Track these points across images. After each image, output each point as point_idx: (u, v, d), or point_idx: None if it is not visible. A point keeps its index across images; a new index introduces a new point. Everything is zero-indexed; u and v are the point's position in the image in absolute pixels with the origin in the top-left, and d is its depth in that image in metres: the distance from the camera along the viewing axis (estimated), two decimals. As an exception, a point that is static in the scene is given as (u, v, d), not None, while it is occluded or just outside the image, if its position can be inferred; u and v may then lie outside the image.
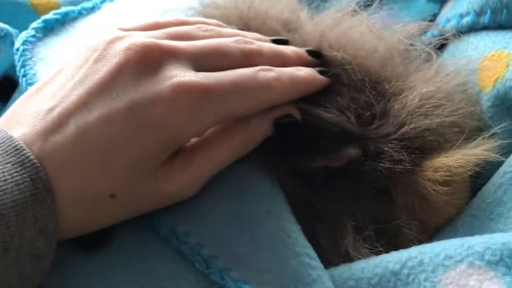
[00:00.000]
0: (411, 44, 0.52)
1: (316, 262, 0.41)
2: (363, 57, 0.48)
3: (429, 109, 0.47)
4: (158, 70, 0.39)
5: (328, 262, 0.45)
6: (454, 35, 0.57)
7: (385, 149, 0.47)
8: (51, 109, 0.37)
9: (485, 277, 0.38)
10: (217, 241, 0.41)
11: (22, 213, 0.34)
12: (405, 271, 0.40)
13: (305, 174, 0.46)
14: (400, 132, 0.47)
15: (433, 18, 0.62)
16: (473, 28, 0.57)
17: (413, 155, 0.47)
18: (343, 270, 0.42)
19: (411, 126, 0.47)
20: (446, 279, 0.39)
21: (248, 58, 0.44)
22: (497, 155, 0.48)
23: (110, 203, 0.38)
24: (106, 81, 0.38)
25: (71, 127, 0.36)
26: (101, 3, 0.61)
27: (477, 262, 0.39)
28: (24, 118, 0.37)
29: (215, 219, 0.42)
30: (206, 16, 0.53)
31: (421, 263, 0.40)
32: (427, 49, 0.52)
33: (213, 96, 0.39)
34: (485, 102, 0.54)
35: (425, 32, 0.60)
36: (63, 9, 0.59)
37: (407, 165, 0.46)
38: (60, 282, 0.41)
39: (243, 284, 0.39)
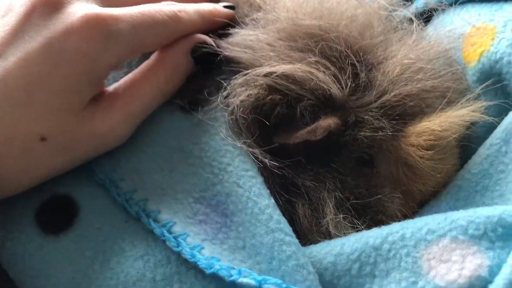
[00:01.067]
0: (393, 12, 0.51)
1: (290, 238, 0.40)
2: (343, 25, 0.46)
3: (410, 76, 0.46)
4: (65, 8, 0.40)
5: (310, 241, 0.43)
6: (438, 7, 0.56)
7: (365, 117, 0.45)
8: None
9: (468, 251, 0.37)
10: (186, 221, 0.40)
11: None
12: (386, 246, 0.38)
13: (285, 151, 0.45)
14: (380, 100, 0.46)
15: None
16: (458, 0, 0.55)
17: (394, 122, 0.45)
18: (322, 246, 0.41)
19: (392, 94, 0.46)
20: (429, 254, 0.38)
21: None
22: (484, 116, 0.47)
23: (42, 147, 0.38)
24: (17, 28, 0.39)
25: None
26: None
27: (460, 237, 0.38)
28: None
29: (182, 195, 0.41)
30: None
31: (402, 237, 0.38)
32: (410, 16, 0.51)
33: (123, 24, 0.40)
34: (470, 77, 0.52)
35: (408, 3, 0.58)
36: None
37: (389, 132, 0.45)
38: (28, 267, 0.39)
39: (215, 262, 0.38)
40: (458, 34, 0.54)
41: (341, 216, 0.44)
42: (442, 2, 0.55)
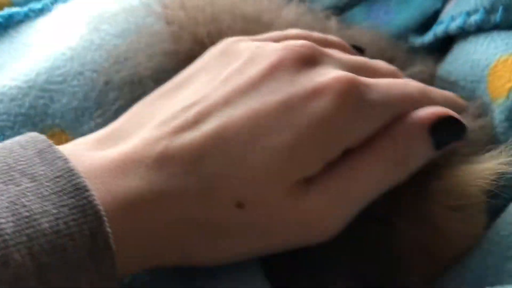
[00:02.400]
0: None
1: None
2: None
3: None
4: (318, 66, 0.35)
5: None
6: (459, 36, 0.50)
7: None
8: (183, 110, 0.33)
9: None
10: None
11: (73, 277, 0.26)
12: None
13: None
14: None
15: (435, 15, 0.54)
16: (482, 28, 0.49)
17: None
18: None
19: None
20: None
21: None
22: None
23: (236, 216, 0.31)
24: (257, 80, 0.33)
25: (209, 125, 0.31)
26: (52, 3, 0.53)
27: None
28: (150, 120, 0.33)
29: None
30: (167, 18, 0.46)
31: None
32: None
33: (375, 93, 0.34)
34: (498, 115, 0.46)
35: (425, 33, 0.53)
36: (7, 11, 0.51)
37: (412, 181, 0.38)
38: None
39: None
40: (483, 66, 0.48)
41: None
42: (463, 29, 0.49)
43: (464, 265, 0.40)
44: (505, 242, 0.39)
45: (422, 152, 0.36)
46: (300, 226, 0.33)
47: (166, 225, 0.31)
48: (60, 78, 0.42)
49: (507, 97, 0.45)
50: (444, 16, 0.51)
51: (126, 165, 0.30)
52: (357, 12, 0.58)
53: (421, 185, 0.39)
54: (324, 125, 0.32)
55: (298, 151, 0.32)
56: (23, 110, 0.39)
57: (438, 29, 0.51)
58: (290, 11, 0.48)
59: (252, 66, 0.34)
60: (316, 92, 0.33)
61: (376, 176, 0.34)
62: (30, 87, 0.42)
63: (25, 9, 0.51)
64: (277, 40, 0.39)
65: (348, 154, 0.34)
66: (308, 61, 0.35)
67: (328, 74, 0.33)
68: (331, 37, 0.43)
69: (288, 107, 0.32)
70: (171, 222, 0.31)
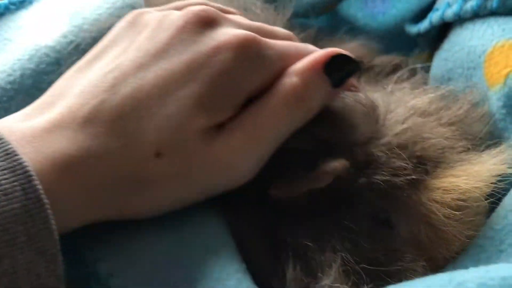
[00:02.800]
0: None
1: None
2: None
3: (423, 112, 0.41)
4: (219, 26, 0.39)
5: None
6: (456, 23, 0.49)
7: (379, 154, 0.38)
8: (101, 77, 0.36)
9: None
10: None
11: (10, 228, 0.29)
12: None
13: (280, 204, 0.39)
14: (394, 132, 0.39)
15: (432, 3, 0.53)
16: (479, 14, 0.48)
17: (416, 163, 0.38)
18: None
19: (405, 125, 0.39)
20: None
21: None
22: None
23: (156, 164, 0.35)
24: (165, 42, 0.37)
25: (125, 88, 0.35)
26: (33, -4, 0.52)
27: None
28: (72, 90, 0.36)
29: (145, 261, 0.35)
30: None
31: None
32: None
33: (272, 51, 0.39)
34: (495, 102, 0.45)
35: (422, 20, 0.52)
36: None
37: (412, 175, 0.38)
38: None
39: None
40: (479, 52, 0.47)
41: (350, 284, 0.37)
42: (460, 16, 0.48)
43: (458, 262, 0.39)
44: (498, 236, 0.38)
45: (321, 90, 0.39)
46: (216, 169, 0.36)
47: (95, 181, 0.34)
48: (47, 86, 0.42)
49: (504, 83, 0.45)
50: (440, 2, 0.50)
51: (53, 130, 0.34)
52: (354, 1, 0.58)
53: (419, 184, 0.39)
54: (226, 76, 0.36)
55: (205, 99, 0.36)
56: (8, 114, 0.39)
57: (434, 16, 0.50)
58: None
59: (160, 33, 0.38)
60: (218, 48, 0.37)
61: (280, 117, 0.38)
62: (16, 91, 0.42)
63: (5, 1, 0.51)
64: (180, 8, 0.42)
65: (253, 100, 0.38)
66: (209, 23, 0.38)
67: (228, 33, 0.38)
68: (231, 9, 0.46)
69: (194, 63, 0.36)
70: (100, 178, 0.34)
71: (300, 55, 0.40)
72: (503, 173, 0.39)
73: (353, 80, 0.42)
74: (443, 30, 0.52)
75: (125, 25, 0.40)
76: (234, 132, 0.37)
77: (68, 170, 0.33)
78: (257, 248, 0.38)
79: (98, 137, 0.34)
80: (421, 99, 0.42)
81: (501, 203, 0.39)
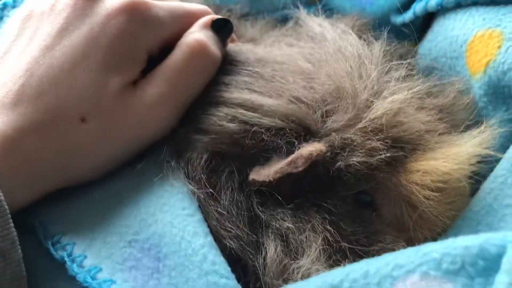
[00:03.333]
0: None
1: (226, 280, 0.36)
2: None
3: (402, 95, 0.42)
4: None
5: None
6: (439, 13, 0.50)
7: (352, 137, 0.40)
8: (17, 66, 0.41)
9: None
10: (114, 267, 0.37)
11: None
12: (346, 284, 0.32)
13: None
14: (370, 117, 0.40)
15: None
16: (461, 4, 0.49)
17: (388, 144, 0.40)
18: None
19: (380, 111, 0.40)
20: None
21: None
22: (493, 152, 0.40)
23: (83, 129, 0.39)
24: (63, 22, 0.42)
25: (39, 68, 0.40)
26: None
27: (432, 272, 0.31)
28: None
29: (113, 239, 0.37)
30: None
31: (365, 275, 0.32)
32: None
33: (161, 10, 0.44)
34: (477, 90, 0.46)
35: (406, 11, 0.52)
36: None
37: (386, 153, 0.39)
38: None
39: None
40: (461, 42, 0.48)
41: (330, 263, 0.38)
42: (442, 6, 0.49)
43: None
44: (476, 217, 0.40)
45: (215, 44, 0.45)
46: (137, 123, 0.41)
47: (34, 155, 0.38)
48: None
49: (484, 72, 0.45)
50: (424, -7, 0.51)
51: None
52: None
53: (397, 159, 0.40)
54: (122, 37, 0.41)
55: (110, 62, 0.41)
56: None
57: (417, 7, 0.51)
58: None
59: (57, 16, 0.42)
60: (109, 15, 0.42)
61: (186, 71, 0.43)
62: None
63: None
64: None
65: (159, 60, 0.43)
66: None
67: (117, 1, 0.42)
68: None
69: (92, 33, 0.41)
70: (37, 152, 0.38)
71: (189, 14, 0.46)
72: (483, 155, 0.40)
73: (233, 36, 0.49)
74: (428, 20, 0.52)
75: (25, 18, 0.44)
76: (147, 88, 0.42)
77: (8, 149, 0.38)
78: (239, 227, 0.39)
79: (27, 115, 0.39)
80: (404, 88, 0.43)
81: (481, 186, 0.40)
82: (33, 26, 0.43)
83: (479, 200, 0.40)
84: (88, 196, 0.40)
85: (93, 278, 0.36)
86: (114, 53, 0.41)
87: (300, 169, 0.39)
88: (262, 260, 0.38)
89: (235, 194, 0.39)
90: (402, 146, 0.40)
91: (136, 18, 0.42)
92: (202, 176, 0.39)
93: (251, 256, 0.38)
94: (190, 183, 0.40)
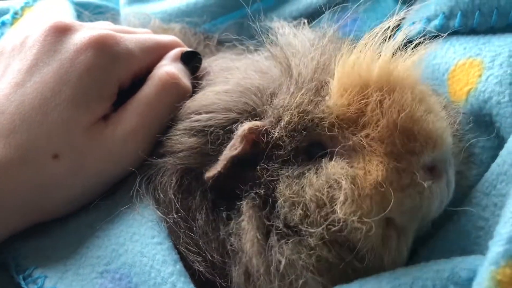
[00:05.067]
0: None
1: None
2: None
3: None
4: (75, 32, 0.43)
5: None
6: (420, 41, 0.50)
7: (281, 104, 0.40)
8: None
9: None
10: None
11: None
12: None
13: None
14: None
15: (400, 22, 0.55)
16: (442, 34, 0.49)
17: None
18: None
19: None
20: None
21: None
22: None
23: (54, 165, 0.40)
24: (33, 58, 0.42)
25: (10, 105, 0.40)
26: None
27: None
28: None
29: (85, 270, 0.38)
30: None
31: None
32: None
33: (130, 43, 0.44)
34: (461, 117, 0.47)
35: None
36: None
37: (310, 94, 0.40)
38: None
39: None
40: (443, 70, 0.49)
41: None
42: (422, 35, 0.50)
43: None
44: (449, 240, 0.40)
45: (184, 77, 0.45)
46: (109, 158, 0.42)
47: (6, 189, 0.38)
48: None
49: (466, 100, 0.46)
50: (406, 21, 0.52)
51: None
52: (325, 19, 0.59)
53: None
54: (92, 72, 0.41)
55: (79, 98, 0.41)
56: None
57: (399, 35, 0.52)
58: None
59: (27, 52, 0.43)
60: (78, 51, 0.41)
61: (156, 104, 0.43)
62: None
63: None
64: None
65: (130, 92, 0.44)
66: (66, 30, 0.43)
67: (85, 35, 0.42)
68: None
69: (62, 69, 0.41)
70: (10, 187, 0.38)
71: (159, 46, 0.46)
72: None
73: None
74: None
75: None
76: (118, 124, 0.42)
77: None
78: (209, 249, 0.39)
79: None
80: None
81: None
82: (4, 63, 0.43)
83: (453, 223, 0.41)
84: (61, 229, 0.40)
85: (63, 309, 0.36)
86: (84, 89, 0.41)
87: (239, 149, 0.38)
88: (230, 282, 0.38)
89: (209, 213, 0.39)
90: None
91: (105, 52, 0.42)
92: (174, 198, 0.39)
93: (221, 279, 0.38)
94: (158, 209, 0.40)
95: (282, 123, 0.39)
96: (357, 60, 0.39)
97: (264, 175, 0.39)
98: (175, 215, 0.39)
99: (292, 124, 0.39)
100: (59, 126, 0.40)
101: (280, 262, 0.36)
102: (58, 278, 0.38)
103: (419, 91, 0.40)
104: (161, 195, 0.40)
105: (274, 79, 0.42)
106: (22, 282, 0.38)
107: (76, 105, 0.40)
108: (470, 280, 0.32)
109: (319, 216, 0.37)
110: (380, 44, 0.42)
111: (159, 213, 0.40)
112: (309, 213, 0.37)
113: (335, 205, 0.36)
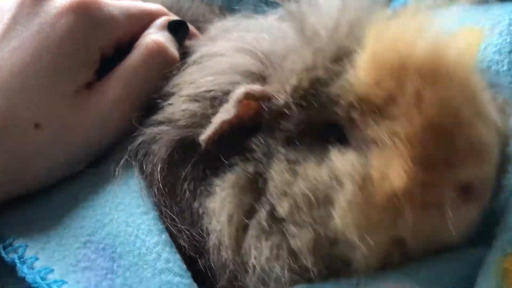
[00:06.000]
0: None
1: (180, 279, 0.35)
2: None
3: None
4: None
5: None
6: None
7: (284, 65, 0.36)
8: None
9: None
10: (67, 268, 0.36)
11: None
12: None
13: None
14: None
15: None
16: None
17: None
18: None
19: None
20: None
21: None
22: None
23: (37, 134, 0.38)
24: (10, 23, 0.40)
25: None
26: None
27: None
28: None
29: (67, 241, 0.37)
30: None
31: None
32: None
33: (112, 8, 0.42)
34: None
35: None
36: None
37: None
38: None
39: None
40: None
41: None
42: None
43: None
44: None
45: (171, 45, 0.44)
46: (94, 126, 0.40)
47: None
48: None
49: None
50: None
51: None
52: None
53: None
54: (73, 37, 0.39)
55: (60, 65, 0.39)
56: None
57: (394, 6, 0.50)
58: None
59: (4, 15, 0.41)
60: (58, 15, 0.39)
61: (142, 73, 0.41)
62: None
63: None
64: None
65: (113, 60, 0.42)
66: None
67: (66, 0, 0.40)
68: None
69: (41, 34, 0.39)
70: None
71: (144, 14, 0.44)
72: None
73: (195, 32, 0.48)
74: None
75: None
76: (103, 92, 0.40)
77: None
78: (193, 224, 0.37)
79: None
80: None
81: None
82: None
83: None
84: (45, 199, 0.39)
85: (43, 279, 0.35)
86: (65, 54, 0.39)
87: (232, 114, 0.34)
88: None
89: (197, 185, 0.37)
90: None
91: (87, 16, 0.40)
92: (163, 168, 0.37)
93: (204, 257, 0.36)
94: (145, 179, 0.38)
95: (288, 88, 0.34)
96: (399, 32, 0.32)
97: (258, 149, 0.35)
98: (161, 185, 0.37)
99: (301, 90, 0.34)
100: (40, 94, 0.38)
101: (256, 259, 0.33)
102: (39, 248, 0.37)
103: (470, 86, 0.33)
104: (150, 165, 0.38)
105: (286, 41, 0.37)
106: (2, 251, 0.37)
107: (57, 71, 0.38)
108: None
109: (309, 217, 0.32)
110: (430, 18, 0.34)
111: (146, 183, 0.38)
112: (297, 211, 0.32)
113: (332, 208, 0.31)
